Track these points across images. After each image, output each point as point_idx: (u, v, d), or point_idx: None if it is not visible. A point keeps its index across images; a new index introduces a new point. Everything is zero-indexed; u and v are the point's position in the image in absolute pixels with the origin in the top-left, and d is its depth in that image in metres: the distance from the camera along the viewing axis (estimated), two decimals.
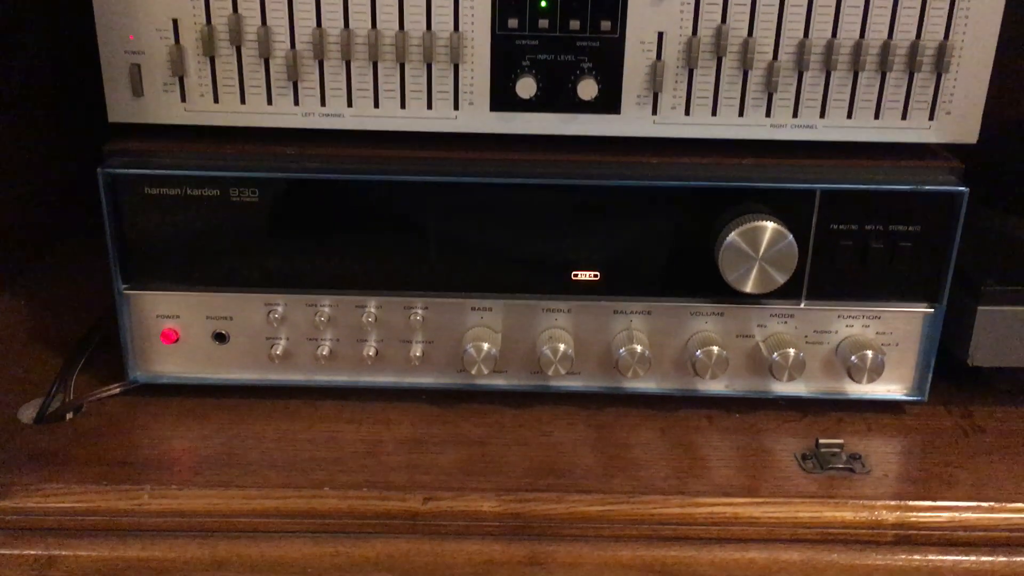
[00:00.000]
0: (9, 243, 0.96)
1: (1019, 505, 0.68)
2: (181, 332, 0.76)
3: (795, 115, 0.73)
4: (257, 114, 0.73)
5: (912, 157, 0.74)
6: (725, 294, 0.73)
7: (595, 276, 0.74)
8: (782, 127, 0.73)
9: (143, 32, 0.70)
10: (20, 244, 0.99)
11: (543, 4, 0.69)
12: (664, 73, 0.71)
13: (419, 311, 0.75)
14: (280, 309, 0.75)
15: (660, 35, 0.70)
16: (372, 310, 0.75)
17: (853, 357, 0.74)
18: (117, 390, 0.78)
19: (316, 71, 0.72)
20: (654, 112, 0.72)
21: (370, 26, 0.70)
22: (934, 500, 0.68)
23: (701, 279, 0.74)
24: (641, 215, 0.73)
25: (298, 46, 0.71)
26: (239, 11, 0.70)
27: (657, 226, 0.73)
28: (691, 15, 0.70)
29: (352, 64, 0.71)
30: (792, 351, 0.73)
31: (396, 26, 0.70)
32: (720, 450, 0.73)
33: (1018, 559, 0.67)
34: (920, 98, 0.72)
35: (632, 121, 0.73)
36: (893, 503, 0.68)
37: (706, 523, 0.67)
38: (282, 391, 0.78)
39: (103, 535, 0.67)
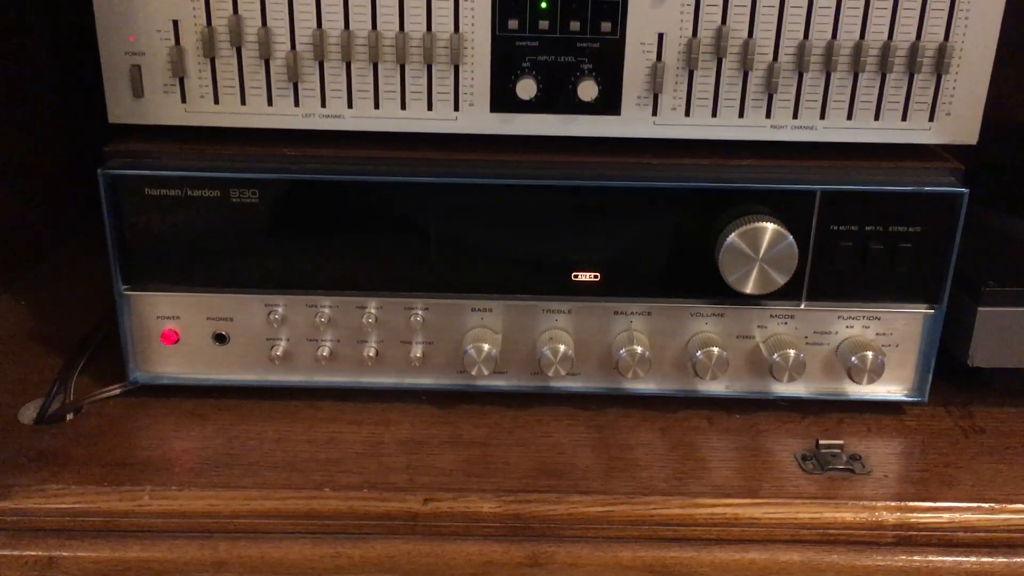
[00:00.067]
0: (9, 243, 0.96)
1: (1019, 506, 0.68)
2: (181, 333, 0.76)
3: (795, 116, 0.73)
4: (257, 115, 0.73)
5: (912, 158, 0.74)
6: (725, 295, 0.73)
7: (595, 277, 0.74)
8: (782, 128, 0.73)
9: (143, 33, 0.70)
10: (20, 244, 0.99)
11: (543, 5, 0.69)
12: (664, 74, 0.71)
13: (419, 312, 0.75)
14: (280, 310, 0.75)
15: (660, 36, 0.70)
16: (372, 311, 0.75)
17: (853, 358, 0.74)
18: (117, 391, 0.78)
19: (316, 72, 0.72)
20: (654, 113, 0.72)
21: (370, 27, 0.70)
22: (934, 501, 0.68)
23: (701, 280, 0.74)
24: (641, 216, 0.73)
25: (298, 47, 0.71)
26: (239, 12, 0.70)
27: (657, 227, 0.73)
28: (691, 16, 0.70)
29: (352, 65, 0.71)
30: (792, 352, 0.73)
31: (396, 27, 0.70)
32: (720, 451, 0.73)
33: (1018, 560, 0.67)
34: (920, 99, 0.72)
35: (632, 122, 0.73)
36: (893, 504, 0.68)
37: (706, 524, 0.67)
38: (282, 392, 0.78)
39: (103, 536, 0.67)
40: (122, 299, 0.75)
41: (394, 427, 0.75)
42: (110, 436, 0.73)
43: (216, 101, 0.72)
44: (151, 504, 0.67)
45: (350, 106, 0.72)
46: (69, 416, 0.75)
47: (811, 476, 0.71)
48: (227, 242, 0.73)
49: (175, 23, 0.70)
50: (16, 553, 0.66)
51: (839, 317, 0.75)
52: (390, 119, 0.73)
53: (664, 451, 0.73)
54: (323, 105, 0.72)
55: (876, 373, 0.74)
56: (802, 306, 0.75)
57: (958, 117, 0.73)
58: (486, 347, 0.74)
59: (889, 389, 0.78)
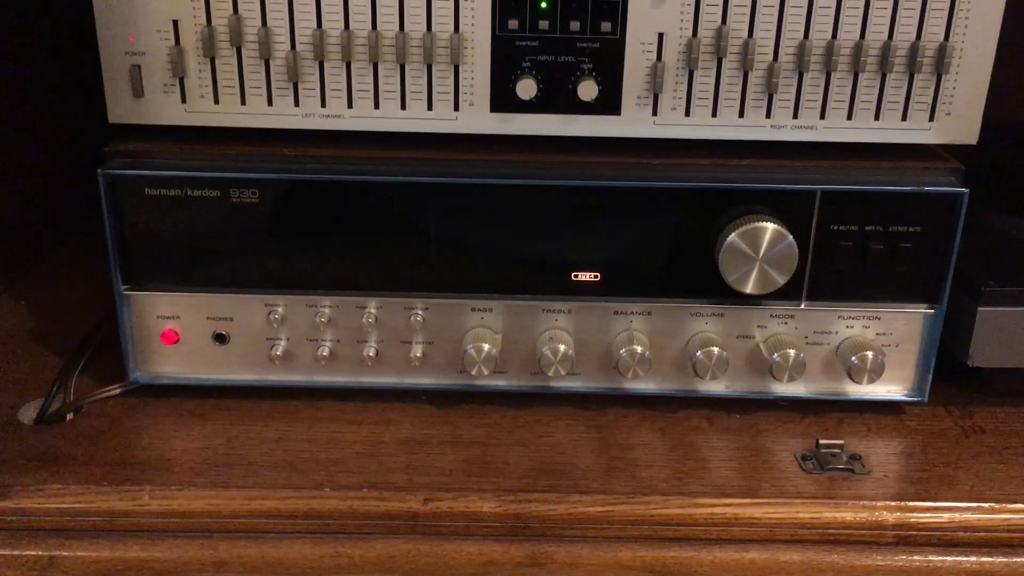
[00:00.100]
0: (9, 243, 0.96)
1: (1019, 506, 0.68)
2: (181, 333, 0.76)
3: (795, 116, 0.73)
4: (257, 115, 0.73)
5: (912, 158, 0.74)
6: (725, 295, 0.73)
7: (595, 277, 0.74)
8: (782, 128, 0.73)
9: (143, 33, 0.70)
10: (20, 244, 0.99)
11: (543, 5, 0.69)
12: (664, 74, 0.71)
13: (419, 312, 0.75)
14: (280, 310, 0.75)
15: (660, 36, 0.70)
16: (372, 311, 0.75)
17: (853, 358, 0.74)
18: (117, 391, 0.78)
19: (316, 72, 0.72)
20: (654, 113, 0.72)
21: (370, 27, 0.70)
22: (934, 501, 0.68)
23: (701, 280, 0.74)
24: (641, 216, 0.73)
25: (298, 47, 0.71)
26: (239, 12, 0.70)
27: (657, 227, 0.73)
28: (691, 16, 0.70)
29: (352, 65, 0.71)
30: (792, 352, 0.73)
31: (396, 27, 0.70)
32: (720, 451, 0.73)
33: (1018, 560, 0.67)
34: (920, 99, 0.72)
35: (632, 122, 0.73)
36: (893, 504, 0.68)
37: (706, 524, 0.67)
38: (282, 392, 0.78)
39: (103, 535, 0.67)
40: (122, 299, 0.75)
41: (394, 427, 0.75)
42: (110, 436, 0.73)
43: (216, 101, 0.72)
44: (151, 504, 0.67)
45: (350, 106, 0.72)
46: (69, 416, 0.75)
47: (811, 476, 0.71)
48: (227, 242, 0.73)
49: (175, 23, 0.70)
50: (16, 553, 0.66)
51: (839, 317, 0.75)
52: (390, 119, 0.73)
53: (664, 451, 0.73)
54: (323, 105, 0.72)
55: (876, 373, 0.74)
56: (802, 306, 0.75)
57: (958, 117, 0.73)
58: (486, 347, 0.74)
59: (889, 389, 0.78)
